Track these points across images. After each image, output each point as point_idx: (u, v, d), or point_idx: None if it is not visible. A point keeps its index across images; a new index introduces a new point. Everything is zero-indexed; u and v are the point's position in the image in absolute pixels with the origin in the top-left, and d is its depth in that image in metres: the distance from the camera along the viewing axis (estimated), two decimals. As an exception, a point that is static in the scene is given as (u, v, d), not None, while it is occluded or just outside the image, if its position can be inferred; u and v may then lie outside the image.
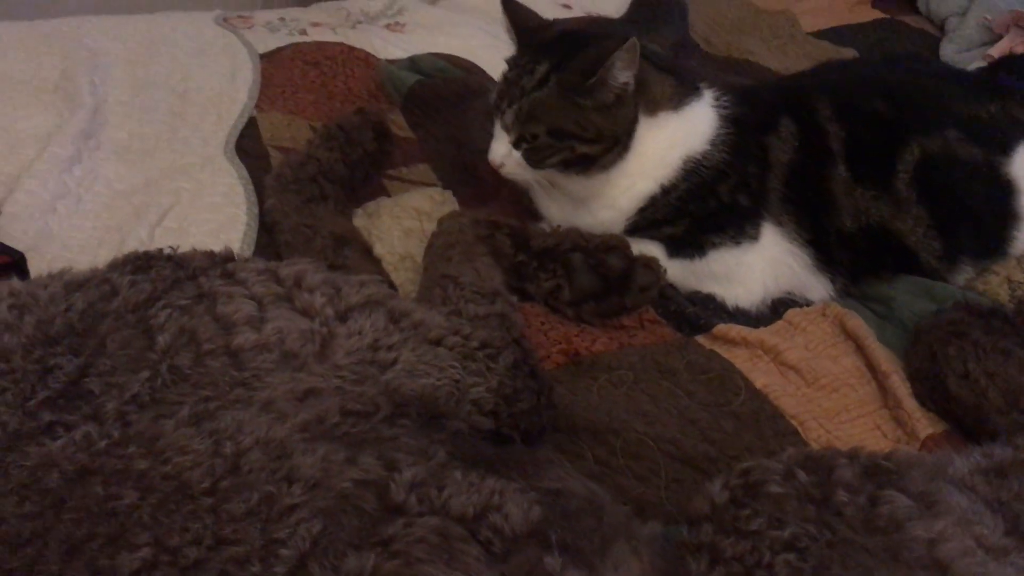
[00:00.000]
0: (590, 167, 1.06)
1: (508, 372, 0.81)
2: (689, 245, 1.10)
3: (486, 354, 0.81)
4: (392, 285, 1.06)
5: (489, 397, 0.78)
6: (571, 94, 1.02)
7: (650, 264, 1.06)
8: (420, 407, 0.72)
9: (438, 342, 0.79)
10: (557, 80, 1.03)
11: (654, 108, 1.07)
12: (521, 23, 1.12)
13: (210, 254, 0.80)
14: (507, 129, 1.06)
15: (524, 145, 1.05)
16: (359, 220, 1.19)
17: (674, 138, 1.08)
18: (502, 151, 1.07)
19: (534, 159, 1.06)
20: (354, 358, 0.72)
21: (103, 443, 0.61)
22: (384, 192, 1.27)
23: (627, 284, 1.05)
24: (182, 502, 0.57)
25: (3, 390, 0.64)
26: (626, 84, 1.02)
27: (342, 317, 0.76)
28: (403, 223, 1.18)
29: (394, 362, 0.74)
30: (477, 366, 0.79)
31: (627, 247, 1.06)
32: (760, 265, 1.11)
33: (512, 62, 1.08)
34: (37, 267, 0.97)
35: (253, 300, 0.74)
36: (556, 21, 1.14)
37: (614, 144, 1.05)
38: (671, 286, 1.11)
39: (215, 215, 1.14)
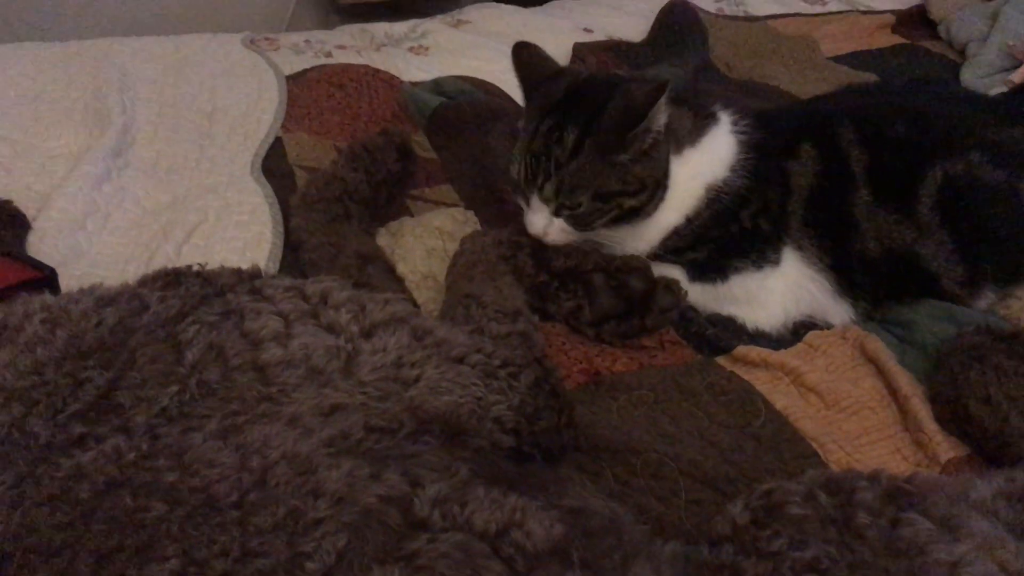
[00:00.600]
0: (637, 217, 1.05)
1: (529, 390, 0.82)
2: (711, 270, 1.11)
3: (508, 372, 0.81)
4: (415, 304, 1.07)
5: (511, 415, 0.79)
6: (609, 154, 1.01)
7: (671, 286, 1.07)
8: (443, 424, 0.72)
9: (461, 360, 0.79)
10: (592, 144, 1.00)
11: (679, 145, 1.07)
12: (528, 75, 1.10)
13: (238, 271, 0.82)
14: (547, 202, 1.04)
15: (567, 212, 1.04)
16: (382, 239, 1.20)
17: (696, 170, 1.08)
18: (543, 223, 1.05)
19: (581, 224, 1.04)
20: (378, 375, 0.73)
21: (132, 455, 0.62)
22: (407, 212, 1.28)
23: (648, 305, 1.05)
24: (210, 515, 0.58)
25: (35, 402, 0.65)
26: (661, 127, 1.01)
27: (367, 334, 0.77)
28: (426, 242, 1.19)
29: (417, 379, 0.75)
30: (499, 384, 0.80)
31: (648, 268, 1.07)
32: (781, 289, 1.12)
33: (532, 131, 1.05)
34: (66, 283, 0.98)
35: (280, 316, 0.75)
36: (562, 71, 1.11)
37: (656, 188, 1.04)
38: (692, 308, 1.11)
39: (241, 233, 1.16)
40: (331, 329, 0.76)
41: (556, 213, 1.05)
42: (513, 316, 0.95)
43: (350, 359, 0.74)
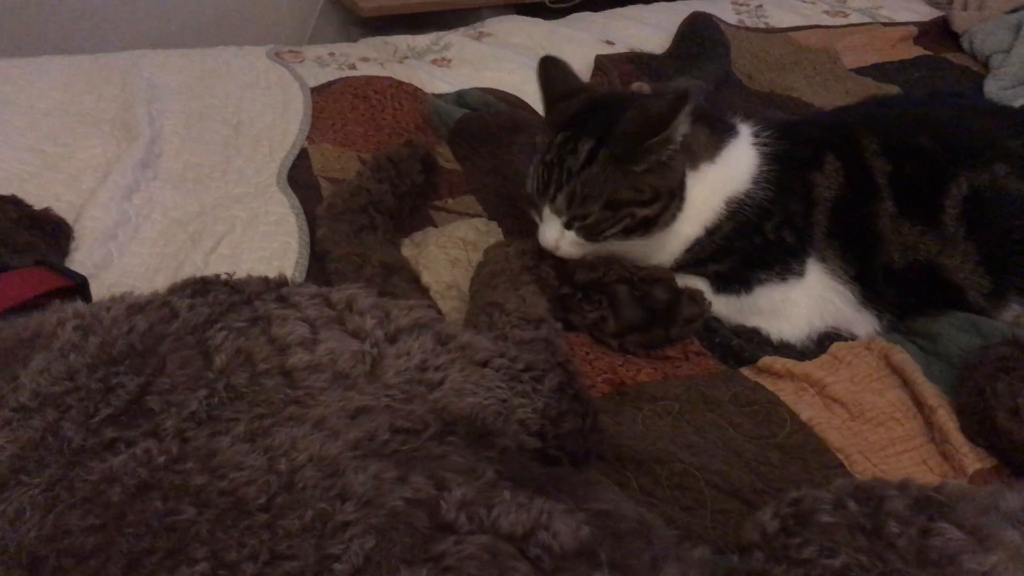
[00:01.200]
0: (651, 228, 1.04)
1: (553, 394, 0.82)
2: (735, 281, 1.10)
3: (531, 376, 0.82)
4: (439, 313, 1.07)
5: (535, 417, 0.79)
6: (623, 163, 1.00)
7: (695, 296, 1.07)
8: (468, 425, 0.72)
9: (484, 364, 0.79)
10: (607, 153, 1.01)
11: (695, 161, 1.07)
12: (551, 90, 1.11)
13: (265, 279, 0.82)
14: (559, 213, 1.04)
15: (577, 224, 1.04)
16: (407, 250, 1.21)
17: (715, 185, 1.08)
18: (554, 235, 1.05)
19: (592, 234, 1.04)
20: (403, 378, 0.74)
21: (162, 459, 0.62)
22: (431, 222, 1.29)
23: (672, 316, 1.05)
24: (238, 518, 0.59)
25: (68, 408, 0.66)
26: (681, 137, 1.01)
27: (391, 339, 0.77)
28: (449, 253, 1.20)
29: (442, 382, 0.75)
30: (523, 387, 0.80)
31: (672, 279, 1.07)
32: (805, 301, 1.11)
33: (547, 144, 1.05)
34: (98, 292, 0.99)
35: (306, 322, 0.76)
36: (583, 87, 1.12)
37: (671, 199, 1.04)
38: (716, 319, 1.11)
39: (268, 243, 1.17)
40: (356, 334, 0.77)
41: (568, 225, 1.04)
42: (536, 323, 0.95)
43: (375, 363, 0.74)
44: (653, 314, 1.06)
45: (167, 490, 0.60)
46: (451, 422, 0.71)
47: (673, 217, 1.06)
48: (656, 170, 1.02)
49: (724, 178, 1.09)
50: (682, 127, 1.00)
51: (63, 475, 0.62)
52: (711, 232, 1.09)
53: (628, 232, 1.04)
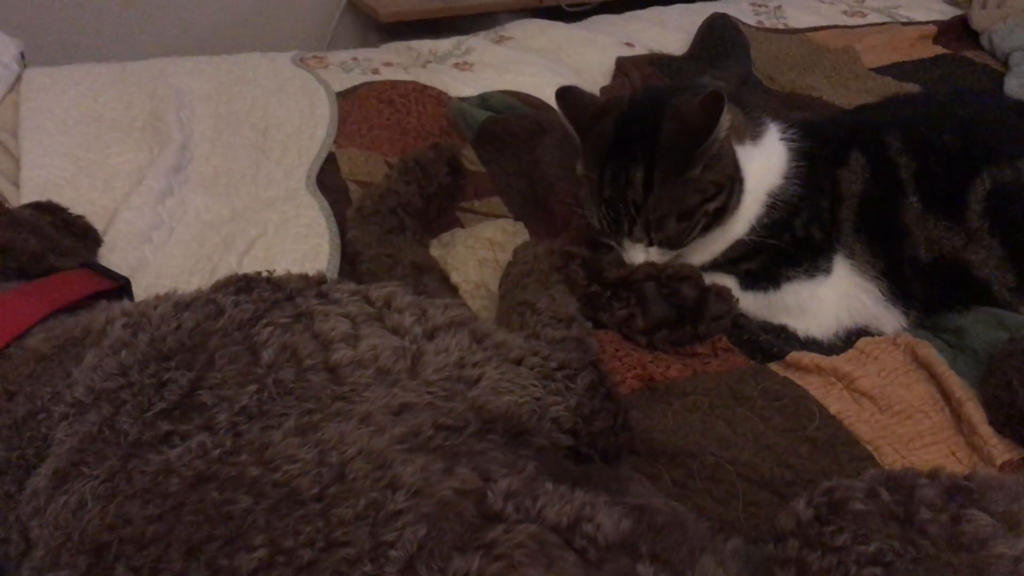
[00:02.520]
0: (723, 215, 1.07)
1: (585, 392, 0.83)
2: (764, 279, 1.12)
3: (564, 375, 0.83)
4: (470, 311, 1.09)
5: (568, 416, 0.80)
6: (680, 175, 1.04)
7: (723, 293, 1.08)
8: (505, 423, 0.74)
9: (519, 362, 0.81)
10: (661, 175, 1.04)
11: (739, 136, 1.10)
12: (577, 118, 1.13)
13: (305, 276, 0.84)
14: (639, 240, 1.08)
15: (658, 240, 1.07)
16: (435, 250, 1.23)
17: (759, 172, 1.10)
18: (642, 257, 1.09)
19: (675, 244, 1.08)
20: (442, 375, 0.75)
21: (217, 452, 0.64)
22: (458, 224, 1.31)
23: (700, 313, 1.07)
24: (293, 507, 0.60)
25: (123, 402, 0.68)
26: (726, 133, 1.04)
27: (429, 336, 0.79)
28: (477, 253, 1.21)
29: (479, 379, 0.77)
30: (556, 386, 0.82)
31: (700, 276, 1.09)
32: (832, 298, 1.13)
33: (598, 179, 1.08)
34: (135, 294, 1.02)
35: (348, 319, 0.77)
36: (606, 107, 1.13)
37: (733, 183, 1.07)
38: (743, 315, 1.13)
39: (299, 245, 1.19)
40: (396, 331, 0.78)
41: (650, 244, 1.08)
42: (567, 322, 0.97)
43: (415, 360, 0.76)
44: (681, 311, 1.07)
45: (223, 481, 0.62)
46: (489, 420, 0.73)
47: (739, 200, 1.08)
48: (711, 165, 1.04)
49: (765, 167, 1.11)
50: (725, 124, 1.02)
51: (121, 467, 0.64)
52: (753, 228, 1.11)
53: (708, 228, 1.08)
